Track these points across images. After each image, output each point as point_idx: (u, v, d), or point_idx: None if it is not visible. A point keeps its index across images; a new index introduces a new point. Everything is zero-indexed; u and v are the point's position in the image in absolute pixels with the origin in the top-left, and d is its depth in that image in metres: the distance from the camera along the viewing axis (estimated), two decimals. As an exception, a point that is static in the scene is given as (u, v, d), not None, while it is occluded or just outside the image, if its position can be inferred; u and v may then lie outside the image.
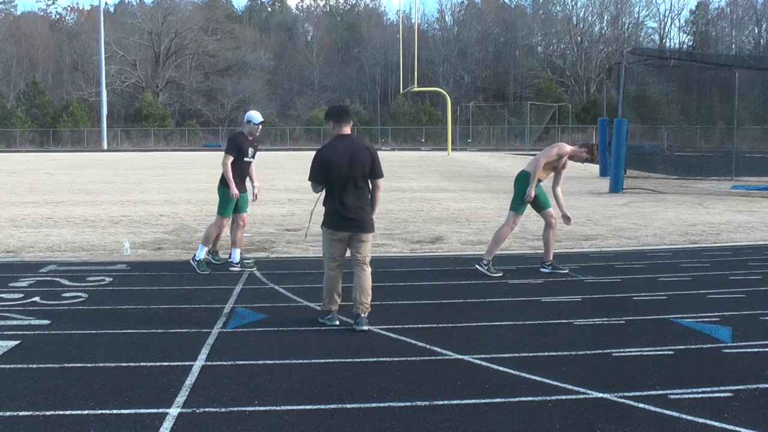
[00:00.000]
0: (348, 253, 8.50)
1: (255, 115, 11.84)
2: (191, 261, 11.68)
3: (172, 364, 6.98)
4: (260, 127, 11.87)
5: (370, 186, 8.45)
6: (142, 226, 17.00)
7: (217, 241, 12.16)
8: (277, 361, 7.06)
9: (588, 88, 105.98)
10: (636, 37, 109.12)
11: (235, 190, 11.48)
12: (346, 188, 8.22)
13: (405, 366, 6.93)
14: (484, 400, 6.05)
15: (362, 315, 8.26)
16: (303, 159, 52.82)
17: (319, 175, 8.27)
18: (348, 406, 5.95)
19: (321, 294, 8.78)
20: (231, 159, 11.47)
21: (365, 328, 8.13)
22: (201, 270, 11.42)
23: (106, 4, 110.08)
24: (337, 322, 8.35)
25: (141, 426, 5.54)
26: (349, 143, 8.32)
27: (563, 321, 8.57)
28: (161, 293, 10.09)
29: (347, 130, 8.44)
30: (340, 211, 8.24)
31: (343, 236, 8.34)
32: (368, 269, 8.48)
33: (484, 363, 6.99)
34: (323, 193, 8.43)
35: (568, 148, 11.49)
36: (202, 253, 11.64)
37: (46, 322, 8.47)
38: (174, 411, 5.81)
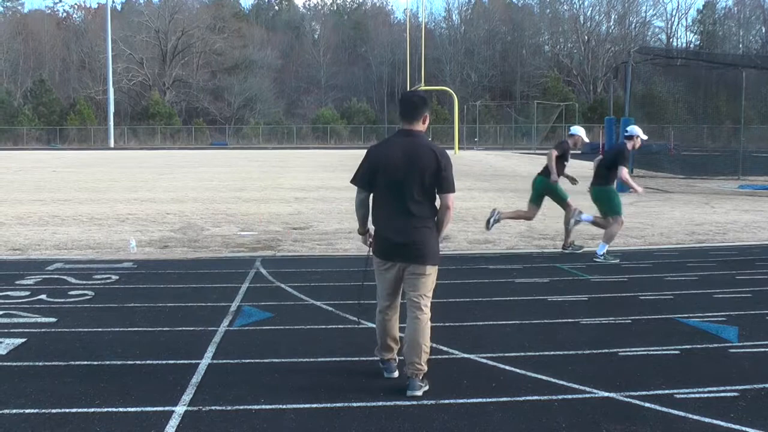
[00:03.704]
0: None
1: (576, 129, 13.54)
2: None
3: (179, 362, 6.98)
4: (578, 138, 13.37)
5: (438, 203, 6.45)
6: (148, 224, 17.02)
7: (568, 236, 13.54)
8: (283, 360, 7.05)
9: (595, 87, 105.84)
10: (643, 36, 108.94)
11: (555, 177, 13.14)
12: (396, 200, 6.23)
13: (411, 365, 6.92)
14: (490, 399, 6.04)
15: (413, 378, 6.21)
16: (309, 158, 52.83)
17: (365, 178, 6.33)
18: (354, 404, 5.94)
19: (328, 291, 8.79)
20: (556, 153, 13.15)
21: (419, 393, 6.13)
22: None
23: (113, 2, 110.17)
24: (395, 374, 6.51)
25: (147, 424, 5.54)
26: (411, 142, 6.28)
27: (569, 320, 8.56)
28: (167, 291, 10.10)
29: (416, 125, 6.35)
30: (386, 232, 6.31)
31: (393, 267, 6.33)
32: (425, 315, 6.28)
33: (490, 362, 6.99)
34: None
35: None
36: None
37: (52, 319, 8.48)
38: (180, 409, 5.81)
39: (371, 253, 6.49)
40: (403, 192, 6.19)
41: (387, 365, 6.57)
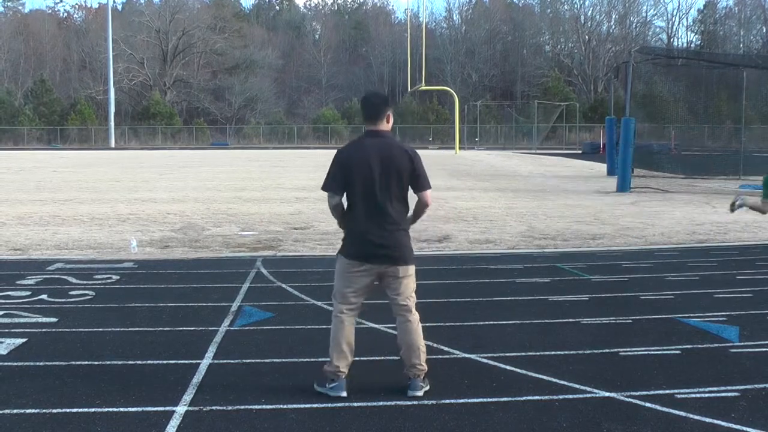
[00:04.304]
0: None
1: None
2: None
3: (179, 362, 6.98)
4: None
5: (416, 200, 6.41)
6: (149, 224, 17.02)
7: None
8: (284, 360, 7.06)
9: (596, 87, 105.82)
10: (644, 36, 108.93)
11: None
12: (374, 203, 6.13)
13: (412, 365, 6.92)
14: (491, 399, 6.04)
15: (415, 378, 6.21)
16: (310, 157, 52.83)
17: (338, 182, 6.19)
18: (355, 404, 5.94)
19: (328, 291, 8.70)
20: None
21: (420, 393, 6.13)
22: None
23: (114, 2, 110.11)
24: (344, 393, 6.11)
25: (148, 424, 5.54)
26: (383, 143, 6.22)
27: (570, 320, 8.56)
28: (168, 291, 10.10)
29: (381, 125, 6.30)
30: (365, 235, 6.14)
31: (369, 271, 6.22)
32: (415, 316, 6.43)
33: (491, 362, 6.99)
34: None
35: None
36: None
37: (53, 319, 8.49)
38: (181, 409, 5.81)
39: (342, 255, 6.30)
40: (380, 194, 6.12)
41: (337, 383, 6.15)
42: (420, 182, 6.24)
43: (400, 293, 6.34)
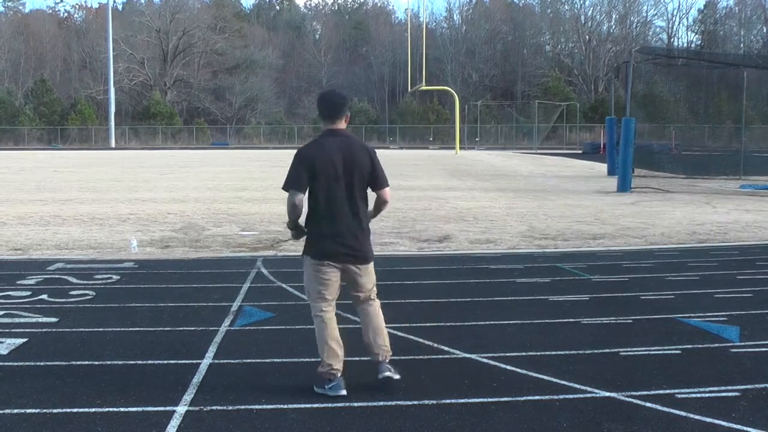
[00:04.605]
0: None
1: None
2: None
3: (180, 362, 6.98)
4: None
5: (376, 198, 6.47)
6: (149, 224, 17.02)
7: None
8: (284, 360, 7.06)
9: (596, 87, 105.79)
10: (644, 36, 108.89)
11: None
12: (339, 202, 6.19)
13: (412, 364, 6.92)
14: (491, 399, 6.04)
15: (384, 360, 6.38)
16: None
17: (302, 182, 6.16)
18: (355, 404, 5.94)
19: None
20: None
21: (390, 374, 6.29)
22: None
23: (114, 2, 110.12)
24: (344, 392, 6.14)
25: (148, 424, 5.54)
26: (344, 142, 6.35)
27: (570, 320, 8.56)
28: (169, 291, 10.10)
29: (340, 124, 6.45)
30: (332, 235, 6.19)
31: (336, 269, 6.28)
32: (378, 302, 6.62)
33: (491, 362, 6.99)
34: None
35: None
36: None
37: (53, 319, 8.49)
38: (181, 409, 5.82)
39: (309, 257, 6.32)
40: (344, 193, 6.20)
41: (336, 383, 6.18)
42: (379, 180, 6.36)
43: (363, 289, 6.44)
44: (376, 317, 6.47)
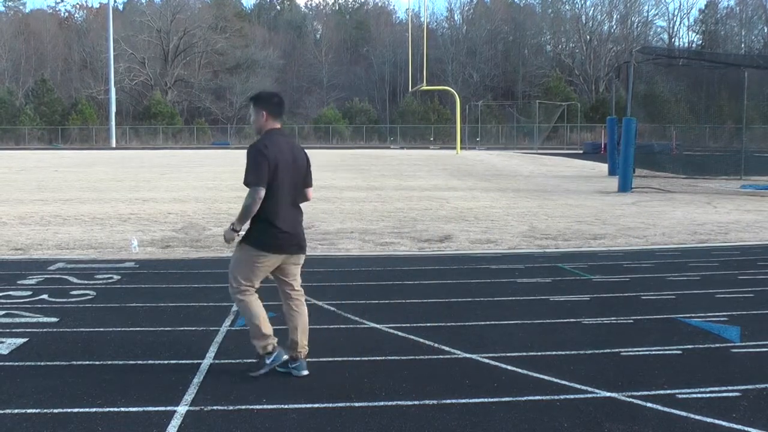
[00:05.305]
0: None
1: None
2: None
3: (180, 362, 6.98)
4: None
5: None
6: (150, 223, 17.03)
7: None
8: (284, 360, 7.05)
9: (597, 87, 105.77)
10: (645, 35, 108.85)
11: None
12: (290, 197, 6.60)
13: (413, 364, 6.93)
14: (492, 399, 6.04)
15: (302, 358, 6.67)
16: (311, 157, 52.72)
17: (265, 179, 6.40)
18: (356, 404, 5.94)
19: (329, 291, 8.72)
20: None
21: (307, 372, 6.62)
22: None
23: (115, 2, 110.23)
24: (286, 357, 6.63)
25: (149, 424, 5.54)
26: (289, 141, 6.81)
27: (571, 320, 8.56)
28: (169, 291, 10.10)
29: (279, 124, 6.79)
30: (284, 227, 6.52)
31: (276, 260, 6.62)
32: (304, 300, 6.93)
33: (492, 362, 6.98)
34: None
35: None
36: None
37: (54, 319, 8.49)
38: (182, 409, 5.82)
39: (254, 247, 6.56)
40: (292, 188, 6.61)
41: (278, 352, 6.64)
42: (310, 179, 6.88)
43: (297, 278, 6.81)
44: (304, 317, 6.77)
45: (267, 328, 6.60)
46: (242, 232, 6.68)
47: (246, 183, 6.45)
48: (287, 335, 6.73)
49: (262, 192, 6.40)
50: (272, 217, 6.50)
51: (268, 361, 6.59)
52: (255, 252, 6.55)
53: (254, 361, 6.69)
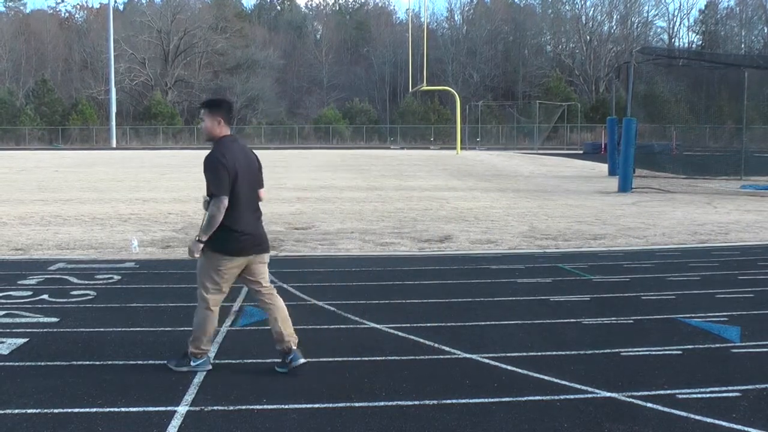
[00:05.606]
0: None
1: None
2: None
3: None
4: None
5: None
6: (150, 224, 17.03)
7: None
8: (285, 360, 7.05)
9: (597, 87, 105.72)
10: (645, 36, 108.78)
11: None
12: (250, 200, 6.77)
13: (413, 365, 6.93)
14: (492, 399, 6.05)
15: (295, 347, 6.76)
16: (311, 157, 52.82)
17: (228, 187, 6.56)
18: (356, 404, 5.95)
19: (330, 291, 8.74)
20: None
21: (303, 360, 6.71)
22: None
23: (116, 2, 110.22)
24: (210, 366, 6.77)
25: (149, 424, 5.55)
26: (241, 146, 6.93)
27: (571, 320, 8.56)
28: (169, 291, 10.10)
29: (229, 130, 6.93)
30: (243, 230, 6.65)
31: (242, 263, 6.75)
32: (276, 292, 7.01)
33: (492, 362, 6.99)
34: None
35: None
36: None
37: (54, 319, 8.49)
38: (182, 409, 5.82)
39: (220, 253, 6.64)
40: (251, 192, 6.77)
41: (205, 358, 6.79)
42: (262, 181, 7.00)
43: (264, 276, 6.91)
44: (283, 309, 6.85)
45: (207, 344, 6.81)
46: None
47: (209, 194, 6.60)
48: (271, 335, 6.83)
49: (226, 201, 6.53)
50: (233, 223, 6.61)
51: (192, 363, 6.74)
52: (220, 257, 6.65)
53: (182, 354, 6.83)
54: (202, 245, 6.63)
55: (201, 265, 6.76)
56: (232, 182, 6.57)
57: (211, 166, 6.63)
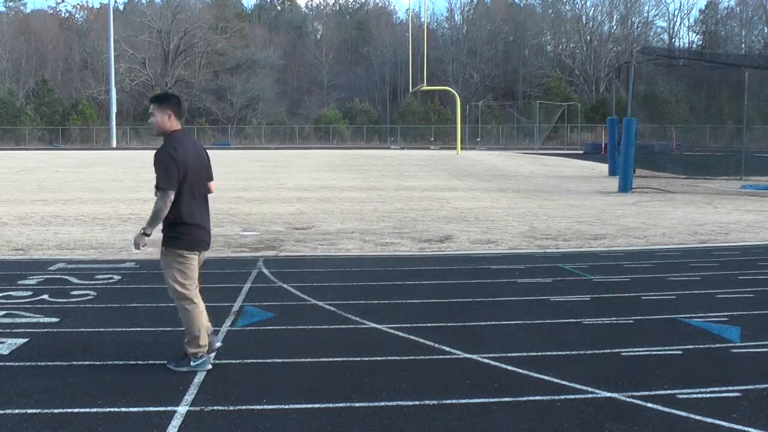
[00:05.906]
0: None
1: None
2: None
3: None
4: None
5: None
6: (150, 224, 17.00)
7: None
8: (285, 360, 7.06)
9: (597, 87, 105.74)
10: (645, 36, 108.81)
11: None
12: (201, 195, 6.89)
13: (413, 365, 6.93)
14: (492, 399, 6.04)
15: (215, 333, 7.20)
16: (311, 158, 52.82)
17: (177, 182, 6.59)
18: (356, 404, 5.94)
19: (330, 291, 8.72)
20: None
21: (211, 366, 6.80)
22: None
23: (116, 2, 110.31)
24: (210, 366, 6.80)
25: (149, 424, 5.54)
26: (191, 140, 7.00)
27: (572, 320, 8.56)
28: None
29: (180, 125, 6.94)
30: (198, 223, 6.81)
31: (200, 256, 6.97)
32: None
33: (492, 362, 6.98)
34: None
35: None
36: None
37: (54, 319, 8.49)
38: (182, 409, 5.82)
39: (183, 249, 6.74)
40: (201, 187, 6.88)
41: (205, 358, 6.83)
42: (212, 173, 7.14)
43: (199, 273, 7.02)
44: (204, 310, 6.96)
45: (204, 339, 6.78)
46: (153, 237, 6.71)
47: (158, 188, 6.57)
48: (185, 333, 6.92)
49: (173, 195, 6.56)
50: (188, 217, 6.71)
51: (192, 363, 6.75)
52: (181, 252, 6.74)
53: (182, 355, 6.83)
54: (147, 237, 6.65)
55: (166, 266, 6.78)
56: (184, 175, 6.61)
57: (161, 160, 6.61)
